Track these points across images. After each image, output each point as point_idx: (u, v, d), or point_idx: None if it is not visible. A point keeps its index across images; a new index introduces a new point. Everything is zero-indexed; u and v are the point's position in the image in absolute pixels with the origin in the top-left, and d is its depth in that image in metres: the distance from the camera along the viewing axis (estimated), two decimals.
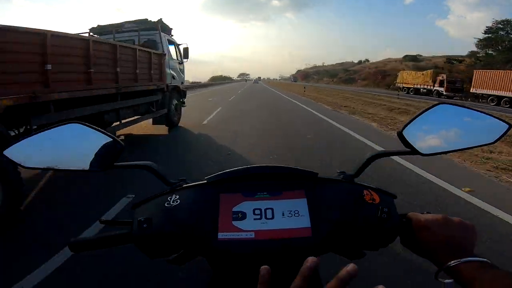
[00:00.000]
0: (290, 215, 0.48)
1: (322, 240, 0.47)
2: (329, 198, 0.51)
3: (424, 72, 30.05)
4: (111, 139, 0.52)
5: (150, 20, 6.67)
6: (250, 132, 6.58)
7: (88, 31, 6.71)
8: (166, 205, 0.50)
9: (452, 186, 3.34)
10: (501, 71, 21.11)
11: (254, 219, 0.47)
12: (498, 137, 0.52)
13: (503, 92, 19.82)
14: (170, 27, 7.30)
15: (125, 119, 4.96)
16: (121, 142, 0.53)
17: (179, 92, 7.53)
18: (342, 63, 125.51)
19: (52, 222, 2.48)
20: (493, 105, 20.06)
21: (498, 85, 20.23)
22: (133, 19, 6.86)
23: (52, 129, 0.50)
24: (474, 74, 23.09)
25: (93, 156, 0.52)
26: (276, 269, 0.35)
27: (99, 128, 0.52)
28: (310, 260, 0.30)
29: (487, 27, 34.89)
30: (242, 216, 0.48)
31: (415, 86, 30.02)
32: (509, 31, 33.24)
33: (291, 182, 0.53)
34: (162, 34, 6.57)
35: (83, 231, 2.25)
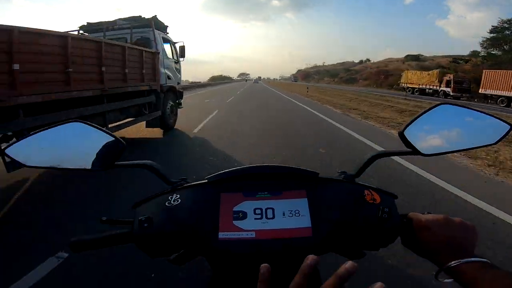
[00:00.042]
0: (290, 215, 0.49)
1: (322, 240, 0.47)
2: (330, 198, 0.51)
3: (430, 72, 29.54)
4: (113, 138, 0.52)
5: (144, 17, 6.34)
6: (249, 141, 5.72)
7: (77, 28, 6.36)
8: (167, 204, 0.50)
9: None
10: None
11: (255, 218, 0.47)
12: (500, 137, 0.52)
13: None
14: (166, 24, 6.95)
15: (112, 123, 4.58)
16: (122, 141, 0.53)
17: (175, 93, 7.14)
18: (343, 62, 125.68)
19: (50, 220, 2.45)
20: (503, 106, 19.56)
21: (509, 85, 19.69)
22: (127, 17, 6.60)
23: (53, 128, 0.50)
24: (483, 74, 22.53)
25: (94, 155, 0.52)
26: (277, 268, 0.35)
27: (100, 127, 0.52)
28: (310, 258, 0.31)
29: (492, 26, 34.50)
30: (243, 215, 0.48)
31: (420, 86, 29.45)
32: None
33: (291, 182, 0.53)
34: (156, 31, 6.21)
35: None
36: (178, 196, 0.51)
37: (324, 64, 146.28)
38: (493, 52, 34.76)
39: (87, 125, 0.52)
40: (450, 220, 0.45)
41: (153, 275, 1.82)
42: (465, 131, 0.54)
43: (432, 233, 0.44)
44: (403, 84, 33.34)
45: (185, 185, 0.54)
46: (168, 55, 6.86)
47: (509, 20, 33.07)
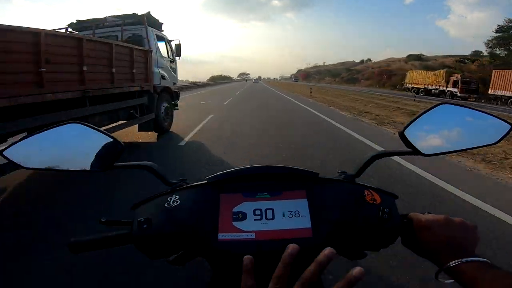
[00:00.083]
0: (290, 215, 0.49)
1: (322, 240, 0.47)
2: (330, 198, 0.51)
3: (436, 72, 28.73)
4: (112, 139, 0.53)
5: (137, 14, 5.99)
6: (249, 151, 4.94)
7: (66, 26, 6.01)
8: (166, 205, 0.50)
9: None
10: None
11: (255, 219, 0.48)
12: (500, 137, 0.53)
13: None
14: (161, 21, 6.61)
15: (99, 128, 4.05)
16: (121, 142, 0.53)
17: (171, 93, 6.76)
18: (344, 62, 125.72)
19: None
20: None
21: None
22: (119, 14, 6.30)
23: (52, 129, 0.51)
24: (493, 75, 21.92)
25: (93, 157, 0.52)
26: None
27: (99, 128, 0.52)
28: (291, 246, 0.32)
29: (498, 25, 34.10)
30: (243, 216, 0.48)
31: (426, 86, 28.70)
32: None
33: (291, 183, 0.53)
34: (150, 28, 5.91)
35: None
36: (178, 197, 0.51)
37: (325, 64, 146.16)
38: (498, 52, 34.43)
39: (85, 126, 0.52)
40: (450, 220, 0.45)
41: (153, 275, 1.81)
42: (465, 130, 0.54)
43: (433, 233, 0.44)
44: (407, 84, 32.77)
45: (185, 186, 0.55)
46: (162, 53, 6.53)
47: None
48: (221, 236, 0.46)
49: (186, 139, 5.83)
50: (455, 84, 24.63)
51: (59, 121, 0.59)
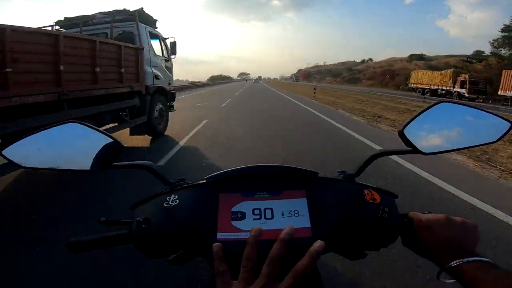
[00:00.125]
0: (289, 215, 0.49)
1: (322, 240, 0.44)
2: (330, 197, 0.52)
3: (442, 71, 28.01)
4: (110, 139, 0.53)
5: (128, 10, 5.69)
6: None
7: (53, 24, 5.75)
8: (165, 205, 0.50)
9: None
10: None
11: (254, 219, 0.48)
12: (500, 135, 0.53)
13: None
14: (155, 18, 6.25)
15: None
16: (120, 142, 0.54)
17: (165, 94, 6.39)
18: (344, 62, 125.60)
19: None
20: None
21: None
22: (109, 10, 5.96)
23: (50, 128, 0.51)
24: (503, 75, 21.46)
25: (92, 156, 0.52)
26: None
27: (98, 128, 0.53)
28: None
29: (504, 24, 33.78)
30: (241, 216, 0.48)
31: (432, 87, 28.07)
32: None
33: (291, 182, 0.53)
34: (142, 25, 5.60)
35: None
36: (176, 196, 0.52)
37: (325, 64, 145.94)
38: (503, 52, 34.20)
39: (84, 126, 0.52)
40: (451, 220, 0.45)
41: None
42: (465, 129, 0.54)
43: (433, 232, 0.44)
44: (412, 85, 32.23)
45: (183, 185, 0.55)
46: (156, 51, 6.16)
47: None
48: (220, 235, 0.46)
49: (169, 154, 4.56)
50: (462, 85, 24.05)
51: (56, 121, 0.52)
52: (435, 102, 0.54)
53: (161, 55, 6.37)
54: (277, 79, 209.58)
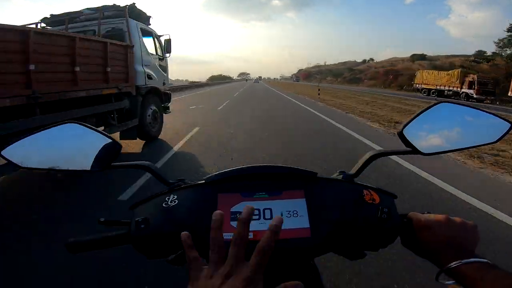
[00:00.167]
0: (289, 215, 0.49)
1: (321, 240, 0.48)
2: (329, 198, 0.52)
3: (449, 72, 27.51)
4: (109, 139, 0.54)
5: (118, 5, 5.35)
6: None
7: (38, 21, 5.43)
8: (164, 205, 0.51)
9: None
10: None
11: (253, 219, 0.44)
12: (500, 136, 0.53)
13: None
14: (148, 14, 5.94)
15: None
16: (119, 142, 0.54)
17: (159, 95, 6.05)
18: (345, 62, 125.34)
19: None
20: None
21: None
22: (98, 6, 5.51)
23: (49, 128, 0.51)
24: None
25: (91, 156, 0.53)
26: (275, 269, 0.38)
27: (96, 128, 0.54)
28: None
29: (510, 24, 33.22)
30: None
31: (438, 87, 27.59)
32: None
33: (290, 182, 0.54)
34: (133, 21, 5.28)
35: None
36: (176, 197, 0.52)
37: (326, 63, 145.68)
38: (509, 52, 33.82)
39: (82, 126, 0.53)
40: (450, 220, 0.46)
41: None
42: (465, 129, 0.54)
43: (433, 233, 0.45)
44: (417, 85, 31.60)
45: (183, 186, 0.55)
46: (149, 49, 5.84)
47: None
48: None
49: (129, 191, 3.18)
50: (471, 85, 23.53)
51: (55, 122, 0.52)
52: (435, 102, 0.54)
53: (154, 53, 6.05)
54: (277, 79, 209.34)
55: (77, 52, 3.61)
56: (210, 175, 0.53)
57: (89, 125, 0.53)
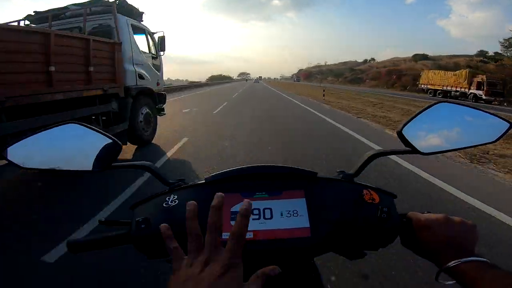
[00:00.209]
0: (288, 215, 0.50)
1: (321, 240, 0.48)
2: (329, 197, 0.52)
3: (456, 72, 26.92)
4: (109, 139, 0.54)
5: (106, 0, 4.99)
6: None
7: (21, 19, 5.11)
8: (164, 205, 0.52)
9: None
10: None
11: (253, 219, 0.48)
12: (499, 135, 0.53)
13: None
14: (141, 10, 5.57)
15: None
16: (119, 142, 0.54)
17: (153, 96, 5.66)
18: (346, 62, 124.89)
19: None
20: None
21: None
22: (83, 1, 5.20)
23: (49, 129, 0.52)
24: None
25: (91, 157, 0.53)
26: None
27: (96, 128, 0.53)
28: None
29: None
30: None
31: (444, 88, 27.07)
32: None
33: (290, 182, 0.54)
34: (123, 17, 4.91)
35: None
36: (176, 197, 0.53)
37: (326, 63, 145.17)
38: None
39: (83, 126, 0.53)
40: (450, 220, 0.46)
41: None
42: (464, 129, 0.54)
43: (432, 232, 0.45)
44: (422, 85, 31.03)
45: (183, 186, 0.56)
46: (141, 47, 5.47)
47: None
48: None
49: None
50: (479, 86, 22.90)
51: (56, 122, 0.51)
52: (434, 102, 0.55)
53: (147, 51, 5.70)
54: (277, 79, 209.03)
55: (52, 50, 3.23)
56: (210, 175, 0.54)
57: (89, 125, 0.53)
